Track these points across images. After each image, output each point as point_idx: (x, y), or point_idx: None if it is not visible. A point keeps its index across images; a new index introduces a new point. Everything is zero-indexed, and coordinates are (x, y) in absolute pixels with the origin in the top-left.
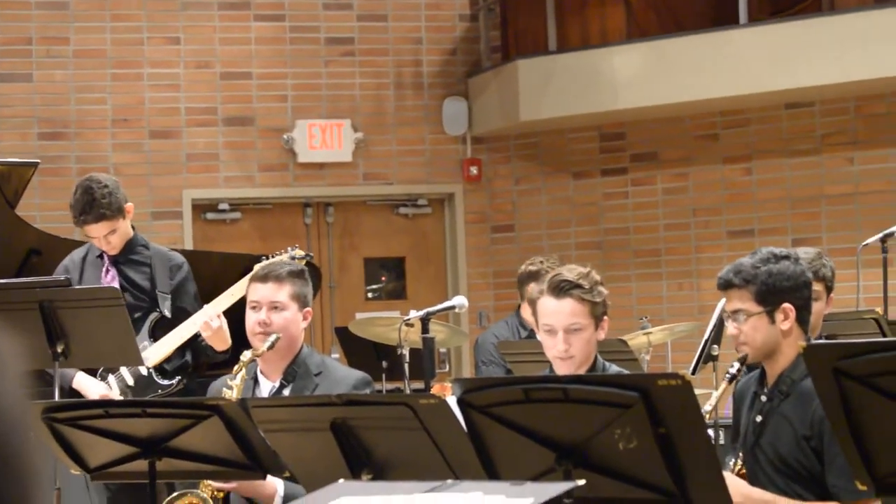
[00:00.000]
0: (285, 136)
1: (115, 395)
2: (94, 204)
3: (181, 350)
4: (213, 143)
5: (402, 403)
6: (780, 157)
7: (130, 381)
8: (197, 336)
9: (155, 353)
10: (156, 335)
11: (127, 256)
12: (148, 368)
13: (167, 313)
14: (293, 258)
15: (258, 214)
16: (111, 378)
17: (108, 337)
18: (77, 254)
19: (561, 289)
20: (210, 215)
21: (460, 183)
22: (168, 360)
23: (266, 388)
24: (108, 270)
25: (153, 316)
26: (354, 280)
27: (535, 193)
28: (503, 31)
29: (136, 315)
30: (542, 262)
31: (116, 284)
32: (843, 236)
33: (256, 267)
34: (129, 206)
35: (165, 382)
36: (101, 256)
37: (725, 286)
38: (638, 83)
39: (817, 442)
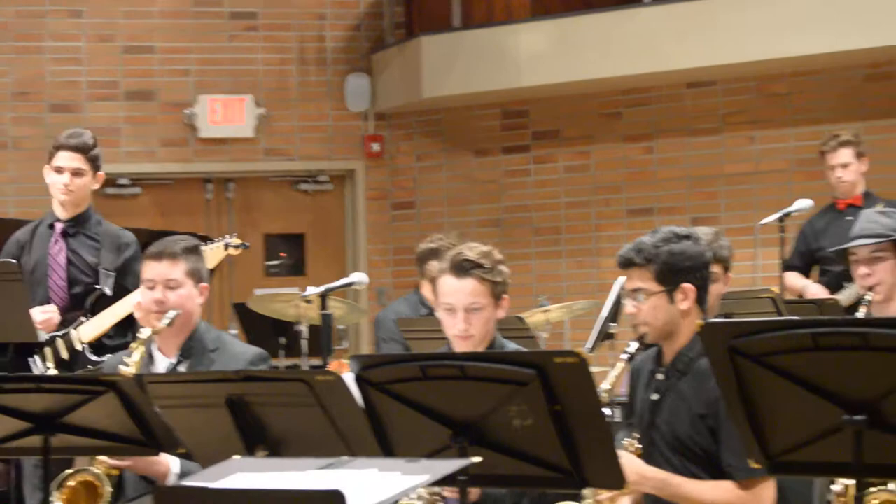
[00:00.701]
0: (187, 111)
1: (37, 370)
2: (81, 136)
3: (123, 328)
4: (114, 118)
5: (299, 380)
6: (681, 135)
7: (65, 355)
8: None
9: (88, 329)
10: (94, 311)
11: (78, 229)
12: (82, 344)
13: (108, 291)
14: (228, 246)
15: (158, 190)
16: (37, 356)
17: (3, 311)
18: (29, 226)
19: (462, 268)
20: (110, 190)
21: (362, 159)
22: (110, 336)
23: (162, 364)
24: (56, 241)
25: (95, 292)
26: (254, 256)
27: (437, 170)
28: (407, 7)
29: (77, 290)
30: (441, 239)
31: (63, 256)
32: (742, 215)
33: (153, 246)
34: (101, 173)
35: (96, 359)
36: (52, 226)
37: (626, 265)
38: (541, 61)
39: (713, 421)
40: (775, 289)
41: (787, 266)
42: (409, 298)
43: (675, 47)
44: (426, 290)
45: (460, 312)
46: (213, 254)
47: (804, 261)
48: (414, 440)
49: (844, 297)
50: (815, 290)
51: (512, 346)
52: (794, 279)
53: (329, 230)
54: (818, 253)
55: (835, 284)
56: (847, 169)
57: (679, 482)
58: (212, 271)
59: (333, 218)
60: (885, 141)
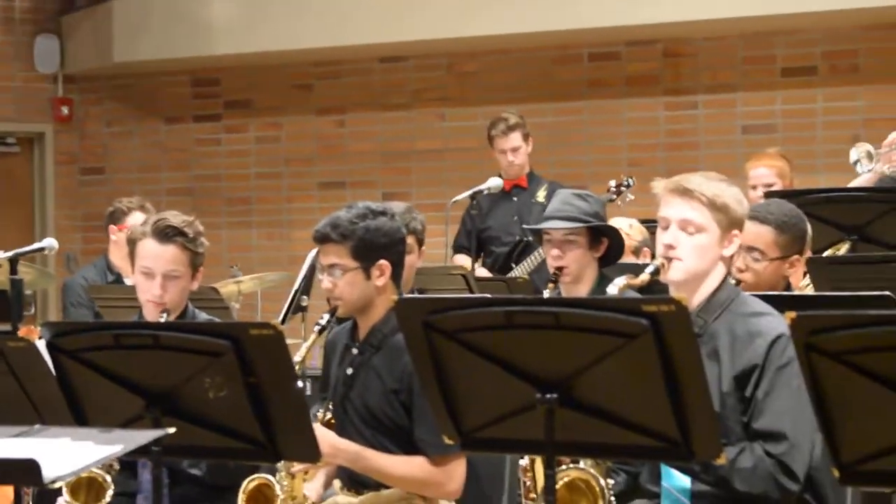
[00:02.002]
0: None
1: None
2: None
3: None
4: None
5: None
6: (372, 110)
7: None
8: None
9: None
10: None
11: None
12: None
13: None
14: None
15: None
16: None
17: None
18: None
19: (165, 234)
20: None
21: (50, 123)
22: None
23: None
24: None
25: None
26: None
27: (127, 137)
28: None
29: None
30: (130, 202)
31: None
32: (433, 192)
33: None
34: None
35: None
36: None
37: (322, 240)
38: (234, 30)
39: (406, 396)
40: (455, 258)
41: (457, 247)
42: (97, 264)
43: (367, 22)
44: (114, 256)
45: (158, 278)
46: None
47: (471, 241)
48: (108, 409)
49: (519, 270)
50: (478, 273)
51: (204, 316)
52: (462, 261)
53: (17, 194)
54: (485, 233)
55: (502, 265)
56: (517, 152)
57: (371, 455)
58: None
59: (21, 182)
60: (570, 123)
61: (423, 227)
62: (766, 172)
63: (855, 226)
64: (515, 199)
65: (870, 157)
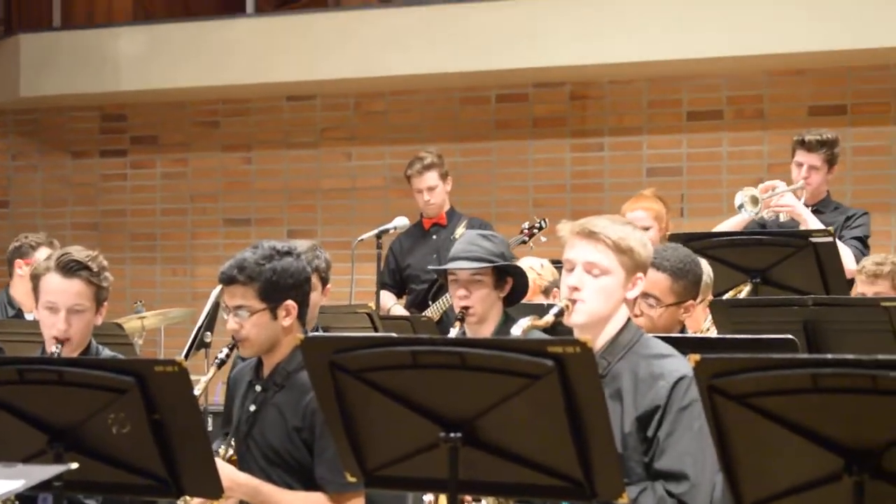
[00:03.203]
0: None
1: None
2: None
3: None
4: None
5: None
6: (279, 148)
7: None
8: None
9: None
10: None
11: None
12: None
13: None
14: None
15: None
16: None
17: None
18: None
19: (69, 268)
20: None
21: None
22: None
23: None
24: None
25: None
26: None
27: (32, 171)
28: (6, 3)
29: None
30: (37, 238)
31: None
32: (339, 230)
33: None
34: None
35: None
36: None
37: (228, 281)
38: (141, 66)
39: (308, 434)
40: (371, 304)
41: (383, 284)
42: None
43: (274, 59)
44: (16, 291)
45: (62, 312)
46: None
47: (395, 278)
48: (10, 444)
49: (431, 313)
50: (396, 311)
51: (107, 352)
52: (385, 298)
53: None
54: (406, 271)
55: (421, 302)
56: (434, 191)
57: (270, 490)
58: None
59: None
60: (478, 163)
61: (328, 265)
62: (642, 215)
63: (757, 269)
64: (434, 236)
65: (755, 201)
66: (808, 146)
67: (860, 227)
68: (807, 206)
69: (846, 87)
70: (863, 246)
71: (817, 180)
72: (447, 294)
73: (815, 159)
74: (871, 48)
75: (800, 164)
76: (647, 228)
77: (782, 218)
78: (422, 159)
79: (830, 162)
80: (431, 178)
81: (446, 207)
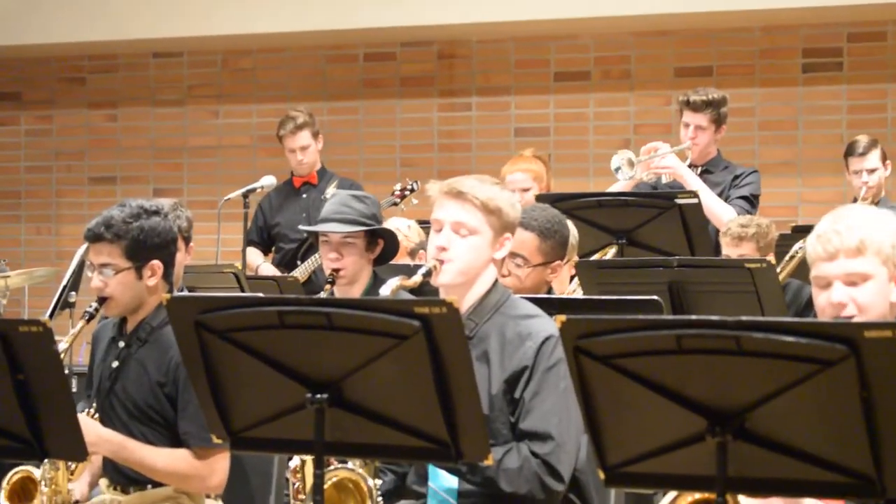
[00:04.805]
0: None
1: None
2: None
3: None
4: None
5: None
6: (145, 105)
7: None
8: None
9: None
10: None
11: None
12: None
13: None
14: None
15: None
16: None
17: None
18: None
19: None
20: None
21: None
22: None
23: None
24: None
25: None
26: None
27: None
28: None
29: None
30: None
31: None
32: (205, 189)
33: None
34: None
35: None
36: None
37: (95, 239)
38: (5, 21)
39: (171, 388)
40: (238, 264)
41: (249, 241)
42: None
43: (141, 16)
44: None
45: None
46: None
47: (262, 236)
48: None
49: (299, 273)
50: (265, 269)
51: None
52: (252, 256)
53: None
54: (274, 229)
55: (290, 261)
56: (306, 151)
57: (134, 446)
58: None
59: None
60: (345, 122)
61: (190, 224)
62: (522, 177)
63: (623, 230)
64: (305, 195)
65: (630, 164)
66: (693, 106)
67: (748, 185)
68: (696, 166)
69: (711, 48)
70: (749, 205)
71: (704, 140)
72: (317, 254)
73: (701, 119)
74: (735, 10)
75: (686, 125)
76: (526, 189)
77: (664, 179)
78: (294, 119)
79: (717, 122)
80: (304, 137)
81: (318, 167)
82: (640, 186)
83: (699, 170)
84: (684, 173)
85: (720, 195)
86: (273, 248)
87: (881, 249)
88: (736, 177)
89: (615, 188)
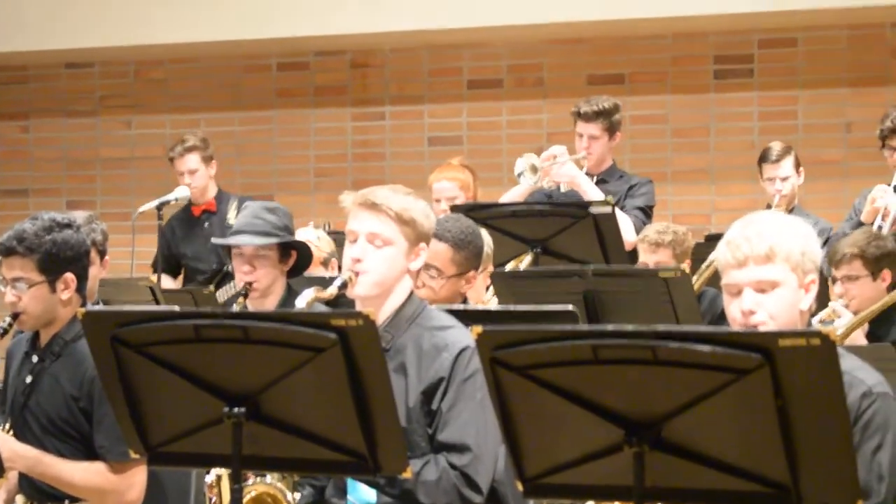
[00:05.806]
0: None
1: None
2: None
3: None
4: None
5: None
6: (57, 116)
7: None
8: None
9: None
10: None
11: None
12: None
13: None
14: None
15: None
16: None
17: None
18: None
19: None
20: None
21: None
22: None
23: None
24: None
25: None
26: None
27: None
28: None
29: None
30: None
31: None
32: (119, 201)
33: None
34: None
35: None
36: None
37: (7, 253)
38: None
39: (86, 402)
40: (153, 277)
41: (157, 267)
42: None
43: (52, 26)
44: None
45: None
46: None
47: (170, 264)
48: None
49: (220, 295)
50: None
51: None
52: (166, 283)
53: None
54: (183, 260)
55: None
56: (194, 175)
57: (51, 461)
58: None
59: None
60: (259, 132)
61: (105, 237)
62: (448, 186)
63: (538, 239)
64: (207, 224)
65: (534, 169)
66: (584, 117)
67: (643, 195)
68: (591, 175)
69: (624, 56)
70: (644, 216)
71: (598, 150)
72: (232, 282)
73: (593, 129)
74: (647, 18)
75: (580, 135)
76: (453, 198)
77: (563, 188)
78: (183, 142)
79: (610, 130)
80: (192, 161)
81: (213, 192)
82: (535, 195)
83: (595, 179)
84: (582, 182)
85: (616, 204)
86: (184, 277)
87: (790, 256)
88: (631, 186)
89: (509, 195)
